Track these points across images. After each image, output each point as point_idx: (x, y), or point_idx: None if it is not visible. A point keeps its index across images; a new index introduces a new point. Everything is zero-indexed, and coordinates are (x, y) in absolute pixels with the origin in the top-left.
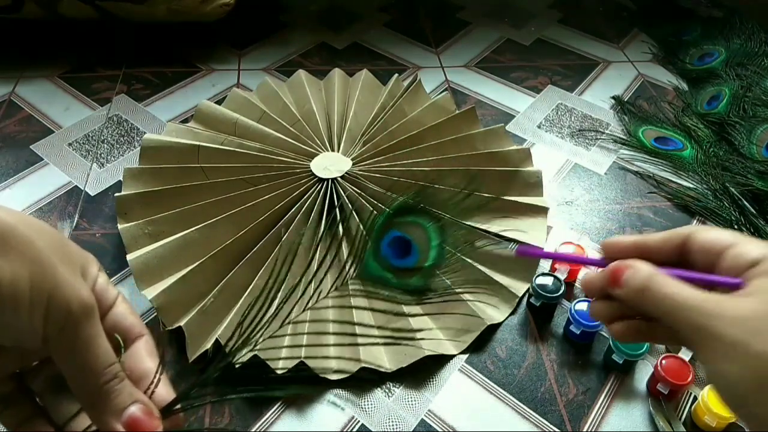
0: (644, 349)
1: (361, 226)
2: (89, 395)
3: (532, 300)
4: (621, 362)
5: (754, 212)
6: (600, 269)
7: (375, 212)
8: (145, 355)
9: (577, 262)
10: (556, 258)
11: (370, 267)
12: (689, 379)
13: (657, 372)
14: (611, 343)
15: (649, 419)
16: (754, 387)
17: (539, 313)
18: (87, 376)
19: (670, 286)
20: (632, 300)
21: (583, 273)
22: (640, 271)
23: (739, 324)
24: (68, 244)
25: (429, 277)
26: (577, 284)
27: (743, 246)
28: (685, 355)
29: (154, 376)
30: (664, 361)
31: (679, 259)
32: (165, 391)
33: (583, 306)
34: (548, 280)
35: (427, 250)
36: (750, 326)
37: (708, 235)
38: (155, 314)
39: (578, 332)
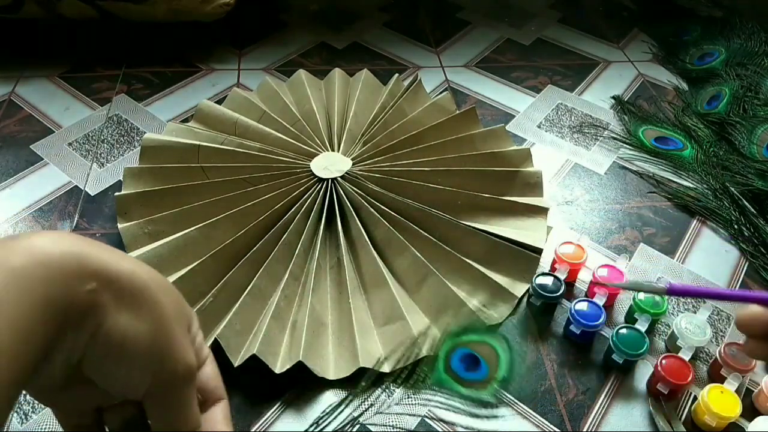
0: (644, 348)
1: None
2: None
3: (532, 300)
4: (621, 362)
5: (754, 212)
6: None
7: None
8: (221, 420)
9: (739, 299)
10: (711, 296)
11: (441, 379)
12: (689, 379)
13: (657, 371)
14: (611, 342)
15: (649, 419)
16: None
17: (539, 313)
18: (190, 418)
19: None
20: None
21: (585, 273)
22: None
23: None
24: (183, 302)
25: (498, 390)
26: (577, 284)
27: None
28: (685, 354)
29: None
30: (664, 361)
31: None
32: None
33: (583, 306)
34: (548, 280)
35: (495, 365)
36: None
37: None
38: None
39: (578, 332)
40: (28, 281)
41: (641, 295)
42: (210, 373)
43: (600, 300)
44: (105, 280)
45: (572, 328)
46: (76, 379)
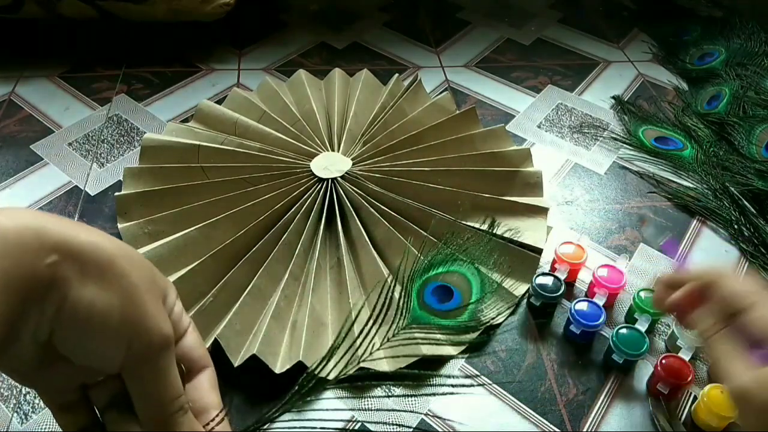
0: (644, 348)
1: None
2: (155, 423)
3: (532, 300)
4: (621, 362)
5: (754, 212)
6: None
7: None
8: (208, 388)
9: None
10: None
11: (418, 316)
12: (689, 379)
13: (657, 371)
14: (611, 342)
15: (650, 419)
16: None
17: (539, 313)
18: (156, 405)
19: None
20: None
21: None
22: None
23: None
24: (155, 273)
25: (476, 312)
26: (577, 284)
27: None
28: (685, 354)
29: (217, 414)
30: (664, 361)
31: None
32: (222, 428)
33: (583, 306)
34: (548, 280)
35: (468, 290)
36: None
37: (729, 289)
38: None
39: (578, 332)
40: None
41: (642, 294)
42: (192, 342)
43: (600, 300)
44: (67, 252)
45: (572, 328)
46: (50, 356)
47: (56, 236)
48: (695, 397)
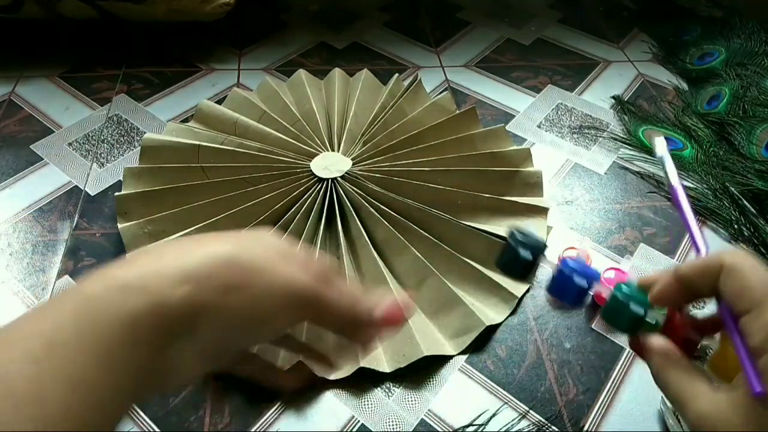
0: (626, 314)
1: None
2: (353, 329)
3: (521, 253)
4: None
5: (754, 212)
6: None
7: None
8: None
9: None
10: None
11: None
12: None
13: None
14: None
15: (658, 416)
16: None
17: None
18: (345, 320)
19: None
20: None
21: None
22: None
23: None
24: (281, 250)
25: None
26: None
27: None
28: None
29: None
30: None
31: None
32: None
33: (572, 253)
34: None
35: None
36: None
37: (738, 283)
38: None
39: (586, 285)
40: (104, 313)
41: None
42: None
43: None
44: (196, 279)
45: (577, 280)
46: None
47: (179, 269)
48: (708, 350)
